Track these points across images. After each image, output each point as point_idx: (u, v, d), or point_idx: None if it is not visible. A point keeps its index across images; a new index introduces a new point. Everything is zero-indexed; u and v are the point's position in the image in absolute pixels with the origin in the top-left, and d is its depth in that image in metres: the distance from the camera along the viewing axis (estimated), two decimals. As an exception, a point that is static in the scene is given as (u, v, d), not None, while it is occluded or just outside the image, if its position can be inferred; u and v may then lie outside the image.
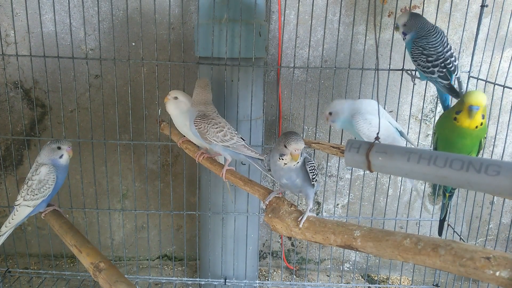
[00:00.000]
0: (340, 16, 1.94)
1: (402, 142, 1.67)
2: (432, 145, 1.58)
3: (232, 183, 1.49)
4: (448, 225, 2.23)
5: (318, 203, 2.44)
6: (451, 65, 1.61)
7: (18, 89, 2.24)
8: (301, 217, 1.14)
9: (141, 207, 2.44)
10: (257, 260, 2.29)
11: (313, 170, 1.23)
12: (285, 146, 1.14)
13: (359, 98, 2.09)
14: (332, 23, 2.18)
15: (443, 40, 1.62)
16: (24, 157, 2.37)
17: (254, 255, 2.23)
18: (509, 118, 1.81)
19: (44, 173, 1.56)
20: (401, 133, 1.69)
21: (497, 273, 0.74)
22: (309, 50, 1.98)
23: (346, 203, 2.44)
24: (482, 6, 1.92)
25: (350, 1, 2.15)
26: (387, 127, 1.60)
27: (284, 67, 2.18)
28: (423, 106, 2.17)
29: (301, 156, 1.17)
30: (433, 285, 2.34)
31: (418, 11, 2.13)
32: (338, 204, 2.47)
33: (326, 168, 2.33)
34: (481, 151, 1.45)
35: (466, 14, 1.94)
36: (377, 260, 2.52)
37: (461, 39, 1.98)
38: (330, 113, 1.59)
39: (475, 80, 2.00)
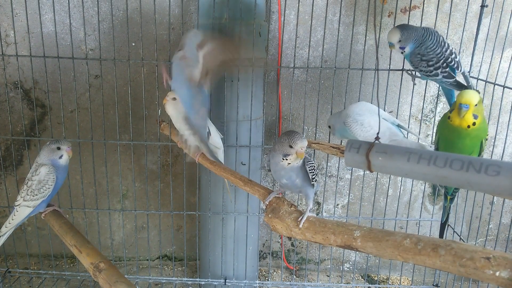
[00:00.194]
0: (340, 16, 1.94)
1: (401, 135, 1.67)
2: (434, 145, 1.59)
3: (232, 183, 1.49)
4: (448, 225, 2.23)
5: (318, 203, 2.44)
6: (452, 62, 1.61)
7: (18, 89, 2.24)
8: (301, 217, 1.14)
9: (141, 207, 2.44)
10: (257, 260, 2.29)
11: (313, 170, 1.23)
12: (291, 146, 1.14)
13: (358, 99, 2.10)
14: (332, 23, 2.18)
15: (439, 40, 1.62)
16: (24, 157, 2.37)
17: (254, 255, 2.23)
18: (509, 118, 1.81)
19: (44, 174, 1.56)
20: (400, 127, 1.69)
21: (497, 273, 0.74)
22: (309, 50, 1.98)
23: (346, 203, 2.44)
24: (482, 6, 1.92)
25: (350, 1, 2.15)
26: (381, 123, 1.61)
27: (284, 67, 2.18)
28: (423, 106, 2.17)
29: None
30: (433, 285, 2.34)
31: (418, 11, 2.14)
32: (338, 204, 2.47)
33: (326, 168, 2.33)
34: (482, 153, 1.45)
35: (466, 14, 1.94)
36: (377, 260, 2.52)
37: (461, 39, 1.98)
38: (329, 127, 1.61)
39: (475, 80, 2.01)
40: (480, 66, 1.98)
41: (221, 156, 1.74)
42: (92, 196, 2.40)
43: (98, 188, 2.35)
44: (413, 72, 1.85)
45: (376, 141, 0.90)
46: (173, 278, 2.27)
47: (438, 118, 2.31)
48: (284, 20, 2.00)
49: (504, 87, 1.77)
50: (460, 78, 1.68)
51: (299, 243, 2.53)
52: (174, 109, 1.61)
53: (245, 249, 2.14)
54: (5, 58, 2.18)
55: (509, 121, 1.82)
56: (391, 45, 1.67)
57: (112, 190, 2.41)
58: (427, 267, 0.85)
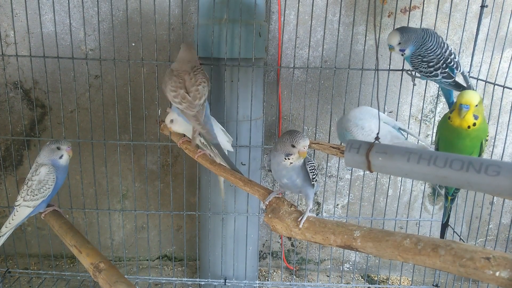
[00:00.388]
0: (340, 16, 1.94)
1: (402, 138, 1.67)
2: (434, 145, 1.59)
3: (232, 183, 1.49)
4: (448, 225, 2.23)
5: (318, 204, 2.44)
6: (452, 63, 1.62)
7: (18, 89, 2.24)
8: (301, 217, 1.14)
9: (141, 208, 2.44)
10: (257, 261, 2.29)
11: (313, 170, 1.23)
12: (293, 146, 1.15)
13: (358, 99, 2.10)
14: (332, 23, 2.18)
15: (439, 41, 1.62)
16: (24, 158, 2.37)
17: (254, 255, 2.23)
18: (509, 118, 1.81)
19: (44, 174, 1.56)
20: (402, 130, 1.69)
21: (497, 273, 0.74)
22: (309, 51, 1.98)
23: (346, 204, 2.44)
24: (482, 7, 1.92)
25: (350, 2, 2.15)
26: (381, 126, 1.61)
27: (284, 67, 2.18)
28: (423, 107, 2.17)
29: None
30: (433, 285, 2.34)
31: (418, 11, 2.14)
32: (338, 205, 2.47)
33: (326, 168, 2.33)
34: (483, 154, 1.44)
35: (466, 14, 1.94)
36: (377, 261, 2.52)
37: (461, 40, 1.98)
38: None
39: (475, 80, 2.01)
40: (480, 66, 1.98)
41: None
42: (92, 196, 2.40)
43: (98, 188, 2.35)
44: (413, 73, 1.85)
45: (376, 141, 0.90)
46: (173, 278, 2.27)
47: (438, 118, 2.31)
48: (284, 20, 2.00)
49: (504, 87, 1.77)
50: (459, 79, 1.68)
51: (299, 243, 2.53)
52: (177, 127, 1.66)
53: (245, 249, 2.14)
54: (5, 58, 2.18)
55: (509, 121, 1.82)
56: (391, 48, 1.67)
57: (112, 190, 2.41)
58: (427, 267, 0.85)
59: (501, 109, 1.93)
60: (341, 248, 1.22)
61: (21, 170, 2.38)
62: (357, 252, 2.46)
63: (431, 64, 1.61)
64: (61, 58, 1.91)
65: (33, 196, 1.55)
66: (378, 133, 0.97)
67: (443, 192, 1.69)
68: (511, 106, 1.88)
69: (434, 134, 2.33)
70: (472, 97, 1.31)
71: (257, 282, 2.26)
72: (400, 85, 2.02)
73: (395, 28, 1.67)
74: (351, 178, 2.35)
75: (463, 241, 1.50)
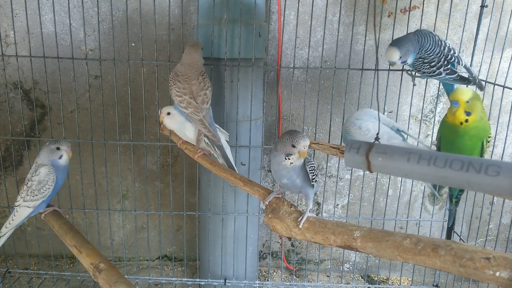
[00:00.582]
0: (340, 16, 1.94)
1: (400, 138, 1.67)
2: (436, 144, 1.59)
3: (231, 184, 1.49)
4: (453, 228, 2.23)
5: (318, 204, 2.44)
6: (452, 58, 1.62)
7: (18, 89, 2.24)
8: (301, 217, 1.14)
9: (141, 208, 2.44)
10: (257, 261, 2.29)
11: (313, 171, 1.23)
12: (293, 145, 1.15)
13: (358, 99, 2.10)
14: (332, 23, 2.18)
15: (435, 39, 1.62)
16: (24, 158, 2.37)
17: (254, 255, 2.23)
18: (509, 118, 1.81)
19: (43, 174, 1.56)
20: (400, 131, 1.69)
21: (497, 274, 0.74)
22: (308, 51, 1.98)
23: (346, 204, 2.44)
24: (482, 7, 1.92)
25: (350, 2, 2.15)
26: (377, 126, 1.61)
27: (284, 67, 2.18)
28: (423, 107, 2.17)
29: None
30: (433, 285, 2.34)
31: (417, 11, 2.14)
32: (338, 205, 2.47)
33: (326, 168, 2.33)
34: (484, 155, 1.44)
35: (466, 14, 1.94)
36: (377, 261, 2.52)
37: (461, 40, 1.98)
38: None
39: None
40: (480, 66, 1.98)
41: (227, 158, 1.75)
42: (92, 197, 2.40)
43: (98, 188, 2.35)
44: (413, 72, 1.85)
45: (376, 142, 0.90)
46: (173, 279, 2.27)
47: (438, 118, 2.31)
48: (284, 20, 2.00)
49: (504, 87, 1.77)
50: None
51: (299, 243, 2.53)
52: (172, 122, 1.64)
53: (245, 249, 2.14)
54: (5, 58, 2.18)
55: (509, 121, 1.82)
56: (392, 64, 1.66)
57: (112, 191, 2.41)
58: (427, 267, 0.85)
59: (501, 109, 1.94)
60: (341, 248, 1.22)
61: (21, 170, 2.38)
62: (357, 252, 2.46)
63: (432, 64, 1.61)
64: (61, 58, 1.91)
65: (33, 196, 1.55)
66: (378, 133, 0.97)
67: (443, 196, 1.69)
68: (511, 106, 1.88)
69: (434, 134, 2.33)
70: (462, 93, 1.32)
71: (257, 282, 2.26)
72: (400, 85, 2.02)
73: (390, 44, 1.64)
74: (351, 178, 2.35)
75: (463, 241, 1.51)
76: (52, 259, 2.30)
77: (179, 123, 1.62)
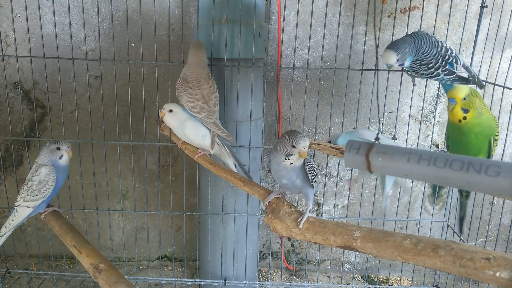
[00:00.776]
0: (339, 16, 1.94)
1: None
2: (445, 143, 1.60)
3: (231, 184, 1.49)
4: (448, 225, 2.23)
5: (318, 204, 2.44)
6: (450, 58, 1.62)
7: (18, 90, 2.24)
8: (301, 217, 1.14)
9: (140, 208, 2.44)
10: (257, 261, 2.29)
11: (312, 171, 1.23)
12: (293, 146, 1.15)
13: (358, 99, 2.10)
14: (332, 23, 2.18)
15: (432, 40, 1.63)
16: (24, 158, 2.37)
17: (254, 255, 2.23)
18: (509, 118, 1.81)
19: (44, 174, 1.56)
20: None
21: (497, 274, 0.74)
22: (308, 51, 1.98)
23: (346, 204, 2.44)
24: (482, 7, 1.92)
25: (350, 2, 2.15)
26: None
27: (284, 67, 2.18)
28: (423, 107, 2.17)
29: None
30: (433, 285, 2.34)
31: (417, 12, 2.14)
32: (338, 205, 2.47)
33: (326, 168, 2.33)
34: (492, 153, 1.43)
35: (466, 14, 1.94)
36: (377, 261, 2.52)
37: (461, 40, 1.98)
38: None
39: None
40: (480, 67, 1.98)
41: (228, 160, 1.74)
42: (92, 197, 2.39)
43: (98, 188, 2.35)
44: (412, 73, 1.85)
45: (376, 142, 0.90)
46: (173, 279, 2.27)
47: (438, 119, 2.31)
48: (283, 20, 2.00)
49: (504, 87, 1.77)
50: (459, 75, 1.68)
51: (299, 243, 2.53)
52: (173, 120, 1.62)
53: (245, 249, 2.14)
54: (5, 58, 2.18)
55: (509, 122, 1.82)
56: (389, 66, 1.67)
57: (112, 191, 2.41)
58: (427, 267, 0.85)
59: (501, 109, 1.93)
60: (341, 249, 1.22)
61: (21, 170, 2.38)
62: (357, 253, 2.46)
63: (430, 65, 1.61)
64: (61, 58, 1.91)
65: (33, 196, 1.55)
66: (378, 133, 0.97)
67: (443, 196, 1.68)
68: (511, 106, 1.88)
69: (434, 135, 2.33)
70: (458, 91, 1.34)
71: (257, 282, 2.26)
72: (400, 86, 2.02)
73: (387, 47, 1.64)
74: (351, 179, 2.35)
75: (463, 242, 1.50)
76: (52, 259, 2.30)
77: (180, 122, 1.61)
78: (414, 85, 1.84)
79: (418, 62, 1.63)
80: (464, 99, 1.33)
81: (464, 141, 1.40)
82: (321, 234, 1.07)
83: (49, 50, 2.11)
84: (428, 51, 1.60)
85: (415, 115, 2.31)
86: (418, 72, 1.67)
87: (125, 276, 1.45)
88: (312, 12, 1.91)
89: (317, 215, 2.44)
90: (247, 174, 1.80)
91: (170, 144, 2.01)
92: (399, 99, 2.08)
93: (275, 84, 2.27)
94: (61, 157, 1.61)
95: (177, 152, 2.37)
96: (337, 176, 2.34)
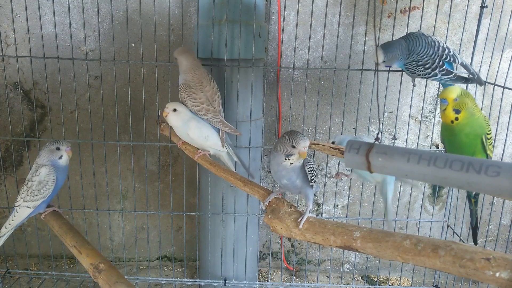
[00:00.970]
0: (339, 17, 1.94)
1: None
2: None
3: (231, 184, 1.49)
4: (448, 226, 2.23)
5: (318, 204, 2.44)
6: (447, 58, 1.62)
7: (18, 90, 2.24)
8: (300, 218, 1.14)
9: (140, 208, 2.44)
10: (257, 261, 2.29)
11: (312, 171, 1.23)
12: (293, 146, 1.15)
13: (358, 100, 2.10)
14: (332, 24, 2.18)
15: (428, 41, 1.62)
16: (24, 158, 2.37)
17: (254, 256, 2.23)
18: (509, 118, 1.81)
19: (44, 174, 1.56)
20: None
21: (497, 274, 0.74)
22: (308, 51, 1.98)
23: (345, 204, 2.44)
24: (482, 7, 1.92)
25: (350, 2, 2.15)
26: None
27: (284, 68, 2.18)
28: (422, 107, 2.17)
29: None
30: (433, 286, 2.34)
31: (417, 12, 2.14)
32: (337, 205, 2.47)
33: (326, 169, 2.33)
34: (489, 152, 1.43)
35: (466, 15, 1.94)
36: (376, 261, 2.52)
37: (461, 40, 1.98)
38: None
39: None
40: (480, 67, 1.98)
41: (227, 160, 1.74)
42: (92, 197, 2.39)
43: (98, 188, 2.35)
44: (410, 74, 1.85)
45: (376, 142, 0.90)
46: (173, 279, 2.27)
47: (437, 119, 2.31)
48: (283, 20, 2.00)
49: (504, 87, 1.77)
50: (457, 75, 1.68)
51: (299, 244, 2.53)
52: (177, 120, 1.61)
53: (244, 249, 2.14)
54: (5, 59, 2.18)
55: (509, 122, 1.82)
56: (377, 64, 1.70)
57: (111, 191, 2.41)
58: (427, 268, 0.85)
59: (501, 110, 1.94)
60: (341, 249, 1.22)
61: (21, 170, 2.38)
62: (357, 253, 2.46)
63: (427, 66, 1.62)
64: (61, 58, 1.91)
65: (33, 196, 1.55)
66: (378, 134, 0.97)
67: (443, 197, 1.68)
68: (511, 107, 1.88)
69: (434, 135, 2.33)
70: (449, 92, 1.34)
71: (257, 282, 2.26)
72: (400, 86, 2.02)
73: (380, 45, 1.68)
74: (351, 179, 2.35)
75: (463, 242, 1.50)
76: (52, 259, 2.30)
77: (184, 122, 1.60)
78: (414, 85, 1.84)
79: (414, 63, 1.63)
80: (456, 99, 1.34)
81: (457, 141, 1.40)
82: (321, 234, 1.07)
83: (49, 50, 2.11)
84: (424, 52, 1.60)
85: (415, 115, 2.31)
86: (415, 73, 1.68)
87: (125, 276, 1.45)
88: (312, 12, 1.91)
89: (317, 215, 2.44)
90: (249, 173, 1.80)
91: (170, 144, 2.01)
92: (399, 99, 2.08)
93: (275, 84, 2.27)
94: (61, 157, 1.61)
95: (177, 152, 2.37)
96: (337, 176, 2.33)
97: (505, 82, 1.83)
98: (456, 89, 1.35)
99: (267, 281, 2.40)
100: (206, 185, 2.06)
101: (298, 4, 1.89)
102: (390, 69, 1.76)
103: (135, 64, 2.16)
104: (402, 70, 1.95)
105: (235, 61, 1.86)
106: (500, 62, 2.06)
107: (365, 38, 2.03)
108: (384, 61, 1.67)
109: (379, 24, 2.16)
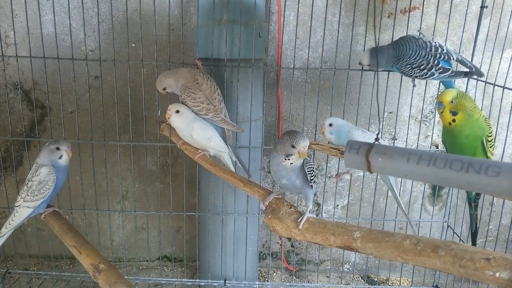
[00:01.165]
0: (339, 17, 1.94)
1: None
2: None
3: (231, 184, 1.49)
4: (448, 226, 2.23)
5: (318, 204, 2.44)
6: (442, 56, 1.62)
7: (18, 90, 2.24)
8: (300, 218, 1.14)
9: (140, 208, 2.44)
10: (257, 261, 2.29)
11: (312, 171, 1.23)
12: (293, 146, 1.15)
13: (358, 100, 2.10)
14: (332, 24, 2.18)
15: (419, 43, 1.63)
16: (24, 158, 2.37)
17: (254, 256, 2.23)
18: (509, 119, 1.81)
19: (44, 174, 1.56)
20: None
21: (497, 274, 0.74)
22: (308, 51, 1.98)
23: (345, 204, 2.44)
24: (482, 7, 1.92)
25: (350, 2, 2.15)
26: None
27: (284, 68, 2.18)
28: (422, 107, 2.17)
29: None
30: (433, 286, 2.34)
31: (417, 12, 2.14)
32: (337, 205, 2.47)
33: (326, 169, 2.33)
34: (489, 154, 1.43)
35: (466, 15, 1.94)
36: (376, 261, 2.52)
37: (461, 40, 1.98)
38: (331, 124, 1.58)
39: (475, 81, 2.01)
40: (480, 67, 1.97)
41: (227, 160, 1.74)
42: (92, 197, 2.39)
43: (98, 189, 2.35)
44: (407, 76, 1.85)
45: (376, 142, 0.90)
46: (173, 279, 2.27)
47: (438, 119, 2.31)
48: (283, 21, 2.00)
49: (504, 88, 1.77)
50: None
51: (299, 244, 2.53)
52: (181, 121, 1.60)
53: (244, 250, 2.14)
54: (5, 59, 2.18)
55: (509, 122, 1.82)
56: (361, 65, 1.77)
57: (111, 191, 2.41)
58: (427, 268, 0.85)
59: (501, 110, 1.94)
60: (341, 249, 1.22)
61: (21, 170, 2.38)
62: (357, 253, 2.46)
63: (422, 67, 1.63)
64: (61, 59, 1.91)
65: (33, 196, 1.55)
66: (378, 134, 0.97)
67: (443, 197, 1.68)
68: (511, 107, 1.88)
69: (434, 135, 2.33)
70: (445, 95, 1.35)
71: (257, 282, 2.26)
72: (400, 86, 2.02)
73: (370, 48, 1.72)
74: (351, 179, 2.35)
75: (463, 242, 1.50)
76: (52, 259, 2.30)
77: (187, 123, 1.60)
78: (414, 85, 1.84)
79: (409, 66, 1.65)
80: (452, 102, 1.34)
81: (457, 143, 1.41)
82: (321, 234, 1.07)
83: (49, 50, 2.11)
84: (416, 54, 1.62)
85: (415, 115, 2.31)
86: (412, 75, 1.69)
87: (125, 277, 1.45)
88: (312, 12, 1.91)
89: (317, 215, 2.44)
90: (247, 172, 1.80)
91: (170, 145, 2.01)
92: (399, 99, 2.08)
93: (275, 84, 2.27)
94: (60, 157, 1.61)
95: (177, 152, 2.37)
96: (337, 177, 2.33)
97: (505, 82, 1.83)
98: (452, 92, 1.35)
99: (267, 281, 2.40)
100: (206, 185, 2.06)
101: (298, 4, 1.89)
102: (387, 70, 1.78)
103: (135, 64, 2.16)
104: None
105: (235, 61, 1.86)
106: (500, 62, 2.06)
107: (365, 38, 2.03)
108: (369, 65, 1.72)
109: (379, 24, 2.16)
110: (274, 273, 2.51)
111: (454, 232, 2.17)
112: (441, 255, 0.81)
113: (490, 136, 1.41)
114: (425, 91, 2.15)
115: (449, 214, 2.26)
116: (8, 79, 2.24)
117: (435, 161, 0.77)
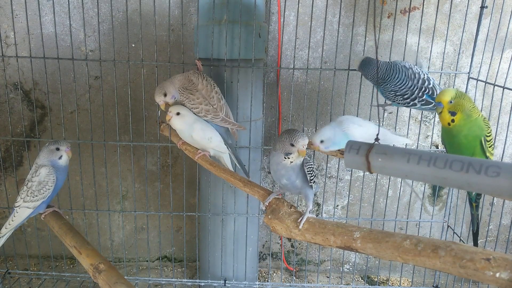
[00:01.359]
0: (339, 17, 1.94)
1: (396, 138, 1.67)
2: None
3: (231, 184, 1.49)
4: (448, 226, 2.23)
5: (318, 204, 2.44)
6: (427, 90, 1.65)
7: (18, 90, 2.24)
8: (300, 218, 1.14)
9: (140, 208, 2.44)
10: (257, 261, 2.29)
11: (311, 171, 1.23)
12: (292, 144, 1.14)
13: (358, 100, 2.10)
14: (332, 24, 2.18)
15: (408, 73, 1.65)
16: (24, 159, 2.37)
17: (254, 256, 2.23)
18: (509, 119, 1.81)
19: (44, 175, 1.56)
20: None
21: (497, 275, 0.74)
22: (308, 51, 1.98)
23: (346, 204, 2.44)
24: (482, 7, 1.92)
25: (350, 2, 2.15)
26: (372, 128, 1.60)
27: (284, 68, 2.18)
28: (422, 107, 2.17)
29: None
30: (433, 286, 2.34)
31: (417, 12, 2.14)
32: (338, 205, 2.47)
33: (326, 169, 2.33)
34: (489, 154, 1.43)
35: (466, 15, 1.94)
36: (377, 262, 2.52)
37: (461, 40, 1.98)
38: (322, 141, 1.52)
39: (475, 81, 2.01)
40: (480, 67, 1.98)
41: (227, 161, 1.74)
42: (92, 197, 2.39)
43: (97, 189, 2.35)
44: (386, 101, 1.83)
45: (376, 142, 0.90)
46: (173, 279, 2.27)
47: (437, 119, 2.31)
48: (283, 21, 2.00)
49: (504, 88, 1.77)
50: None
51: (299, 244, 2.52)
52: (181, 123, 1.60)
53: (244, 250, 2.14)
54: (5, 59, 2.19)
55: (509, 122, 1.82)
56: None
57: (111, 191, 2.41)
58: (427, 268, 0.85)
59: (501, 110, 1.93)
60: (341, 249, 1.22)
61: (21, 171, 2.38)
62: (357, 253, 2.46)
63: (405, 96, 1.67)
64: (61, 59, 1.91)
65: (33, 197, 1.55)
66: (377, 134, 0.97)
67: (443, 197, 1.67)
68: (511, 107, 1.88)
69: (434, 135, 2.33)
70: (443, 95, 1.35)
71: (257, 283, 2.26)
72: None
73: (364, 57, 1.74)
74: (351, 179, 2.35)
75: (463, 242, 1.50)
76: (52, 260, 2.30)
77: (188, 124, 1.60)
78: (384, 110, 1.87)
79: (393, 92, 1.68)
80: (451, 102, 1.34)
81: (455, 143, 1.41)
82: (321, 234, 1.07)
83: (49, 50, 2.11)
84: (403, 83, 1.65)
85: (415, 115, 2.31)
86: (394, 101, 1.72)
87: (125, 277, 1.45)
88: (312, 12, 1.91)
89: (317, 215, 2.44)
90: (246, 173, 1.80)
91: (170, 145, 2.01)
92: (399, 99, 2.08)
93: (275, 84, 2.27)
94: (60, 157, 1.61)
95: (177, 152, 2.37)
96: (337, 177, 2.34)
97: (505, 82, 1.83)
98: (450, 92, 1.35)
99: (267, 281, 2.40)
100: (206, 186, 2.06)
101: (298, 4, 1.89)
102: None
103: (135, 64, 2.16)
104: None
105: (235, 62, 1.86)
106: (500, 62, 2.06)
107: (365, 38, 2.03)
108: (357, 70, 1.78)
109: (379, 25, 2.16)
110: (274, 273, 2.51)
111: (454, 232, 2.17)
112: (441, 255, 0.81)
113: (489, 136, 1.41)
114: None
115: (449, 214, 2.26)
116: (8, 79, 2.24)
117: (435, 161, 0.77)
